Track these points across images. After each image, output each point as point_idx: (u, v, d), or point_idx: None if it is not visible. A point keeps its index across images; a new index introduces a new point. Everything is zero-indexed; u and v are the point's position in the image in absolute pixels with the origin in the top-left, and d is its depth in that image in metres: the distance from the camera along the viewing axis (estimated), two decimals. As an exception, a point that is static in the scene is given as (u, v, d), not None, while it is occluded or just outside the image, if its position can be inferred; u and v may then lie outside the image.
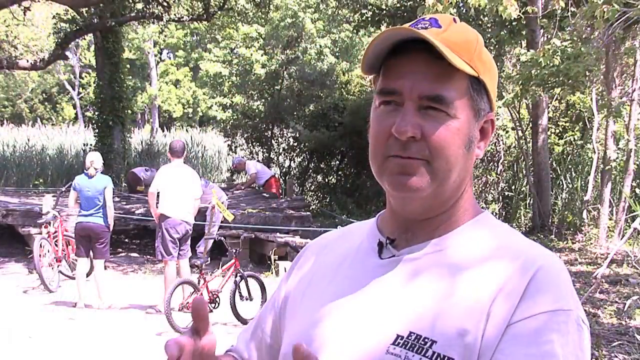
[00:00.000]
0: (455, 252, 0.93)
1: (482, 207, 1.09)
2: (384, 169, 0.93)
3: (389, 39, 0.91)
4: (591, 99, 11.31)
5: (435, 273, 0.92)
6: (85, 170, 7.04)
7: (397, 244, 0.97)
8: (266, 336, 1.11)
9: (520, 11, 8.05)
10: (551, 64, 7.64)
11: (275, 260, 8.72)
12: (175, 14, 15.22)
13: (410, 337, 0.87)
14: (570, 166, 13.33)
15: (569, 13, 7.94)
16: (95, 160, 7.03)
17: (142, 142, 19.91)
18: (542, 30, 10.83)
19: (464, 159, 0.93)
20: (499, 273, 0.88)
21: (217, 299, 6.40)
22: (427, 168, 0.91)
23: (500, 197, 13.91)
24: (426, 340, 0.86)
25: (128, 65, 22.39)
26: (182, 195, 6.70)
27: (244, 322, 6.33)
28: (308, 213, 10.77)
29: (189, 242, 6.91)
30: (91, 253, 7.16)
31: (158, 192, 6.77)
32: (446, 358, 0.84)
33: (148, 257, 10.34)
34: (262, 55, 16.64)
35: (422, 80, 0.90)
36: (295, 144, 16.27)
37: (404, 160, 0.91)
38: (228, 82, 18.45)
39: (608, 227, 10.62)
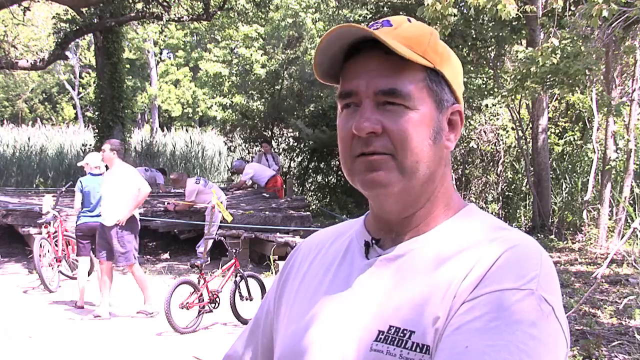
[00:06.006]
0: (437, 247, 0.93)
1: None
2: (354, 171, 0.94)
3: (338, 41, 0.92)
4: (591, 99, 11.31)
5: (418, 269, 0.92)
6: (90, 171, 7.03)
7: (383, 243, 0.98)
8: (263, 338, 1.12)
9: (519, 10, 8.05)
10: (549, 63, 7.64)
11: (275, 260, 8.71)
12: (175, 14, 15.20)
13: (390, 331, 0.88)
14: (570, 166, 13.33)
15: (569, 12, 7.94)
16: (101, 160, 7.10)
17: (142, 142, 19.92)
18: (542, 29, 10.84)
19: (431, 150, 0.93)
20: (472, 258, 0.88)
21: (217, 299, 6.40)
22: (393, 162, 0.91)
23: (500, 197, 13.92)
24: (405, 331, 0.86)
25: (128, 65, 22.39)
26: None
27: (244, 322, 6.33)
28: (308, 213, 10.77)
29: None
30: (91, 252, 7.18)
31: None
32: (424, 347, 0.85)
33: (148, 257, 10.35)
34: (262, 55, 16.62)
35: (376, 76, 0.92)
36: (295, 143, 16.27)
37: (369, 158, 0.92)
38: (228, 82, 18.43)
39: (608, 227, 10.61)
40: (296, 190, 15.19)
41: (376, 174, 0.92)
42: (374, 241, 0.99)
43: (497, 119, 14.28)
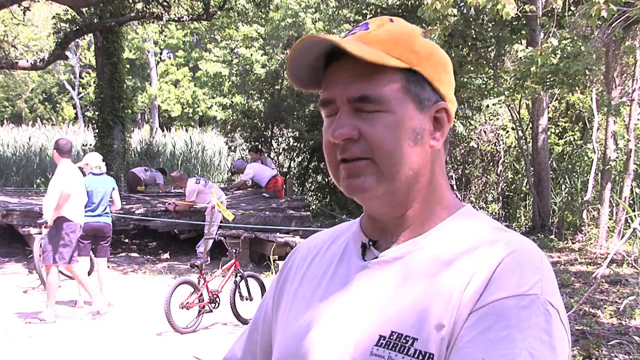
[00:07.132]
0: (436, 249, 0.93)
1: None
2: (338, 177, 0.95)
3: (309, 52, 0.93)
4: (591, 99, 11.32)
5: (418, 273, 0.92)
6: (91, 171, 7.03)
7: (379, 245, 0.98)
8: (262, 340, 1.12)
9: (519, 10, 8.05)
10: (549, 63, 7.64)
11: (275, 260, 8.71)
12: (175, 14, 15.21)
13: (392, 337, 0.87)
14: (570, 166, 13.34)
15: (569, 12, 7.95)
16: (101, 160, 7.10)
17: (142, 142, 19.93)
18: (541, 29, 10.83)
19: (412, 151, 0.92)
20: (473, 263, 0.88)
21: (217, 299, 6.40)
22: (373, 167, 0.92)
23: (500, 197, 13.91)
24: (407, 338, 0.86)
25: (128, 65, 22.38)
26: (81, 198, 6.70)
27: (244, 322, 6.33)
28: (308, 213, 10.76)
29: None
30: (91, 252, 7.18)
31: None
32: (427, 354, 0.85)
33: (148, 257, 10.35)
34: (262, 55, 16.62)
35: (349, 83, 0.92)
36: (296, 144, 16.27)
37: (349, 164, 0.93)
38: (228, 82, 18.43)
39: (608, 227, 10.62)
40: (296, 190, 15.20)
41: (356, 180, 0.92)
42: (370, 243, 0.98)
43: (497, 119, 14.29)
